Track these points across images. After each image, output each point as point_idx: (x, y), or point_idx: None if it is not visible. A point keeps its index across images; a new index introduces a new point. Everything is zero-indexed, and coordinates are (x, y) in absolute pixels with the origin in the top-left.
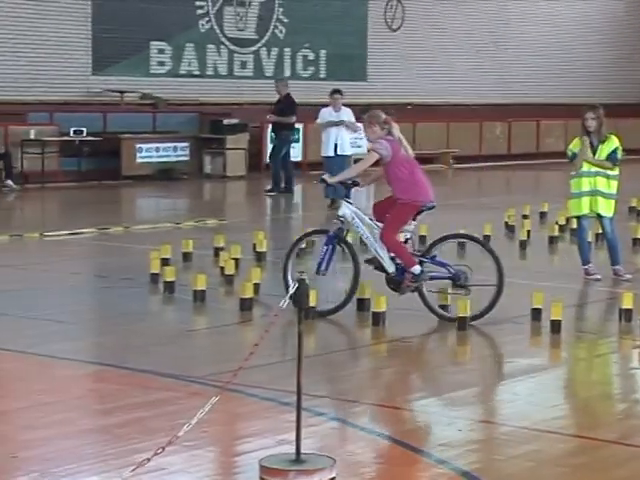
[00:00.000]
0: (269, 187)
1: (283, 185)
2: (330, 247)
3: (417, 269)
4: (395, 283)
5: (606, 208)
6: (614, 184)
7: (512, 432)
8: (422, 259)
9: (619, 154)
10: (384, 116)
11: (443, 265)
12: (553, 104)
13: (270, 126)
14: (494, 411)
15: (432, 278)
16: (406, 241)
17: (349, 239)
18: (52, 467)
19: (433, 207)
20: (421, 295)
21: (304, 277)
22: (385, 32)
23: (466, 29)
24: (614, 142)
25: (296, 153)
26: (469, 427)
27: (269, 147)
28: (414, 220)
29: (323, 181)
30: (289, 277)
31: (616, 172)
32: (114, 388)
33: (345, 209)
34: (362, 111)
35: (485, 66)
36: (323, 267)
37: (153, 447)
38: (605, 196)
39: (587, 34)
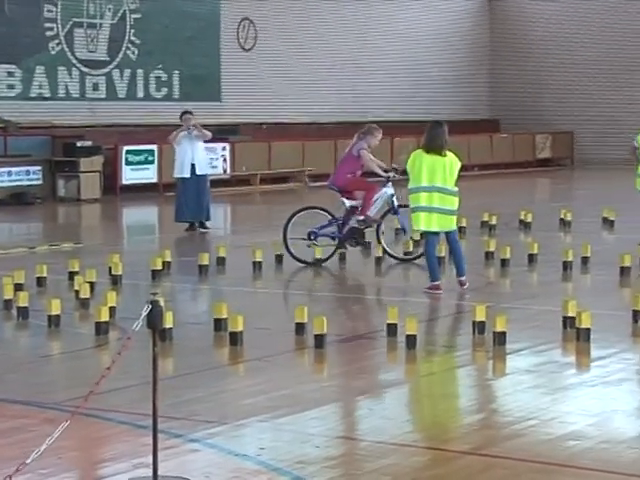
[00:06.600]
0: None
1: None
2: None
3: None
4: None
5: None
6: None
7: (369, 447)
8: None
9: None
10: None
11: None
12: (406, 121)
13: None
14: (351, 427)
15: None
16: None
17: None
18: None
19: (330, 187)
20: None
21: (158, 298)
22: (238, 52)
23: (321, 46)
24: None
25: (151, 174)
26: (326, 443)
27: (124, 169)
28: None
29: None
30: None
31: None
32: None
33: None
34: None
35: (341, 84)
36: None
37: (3, 476)
38: None
39: (440, 51)
